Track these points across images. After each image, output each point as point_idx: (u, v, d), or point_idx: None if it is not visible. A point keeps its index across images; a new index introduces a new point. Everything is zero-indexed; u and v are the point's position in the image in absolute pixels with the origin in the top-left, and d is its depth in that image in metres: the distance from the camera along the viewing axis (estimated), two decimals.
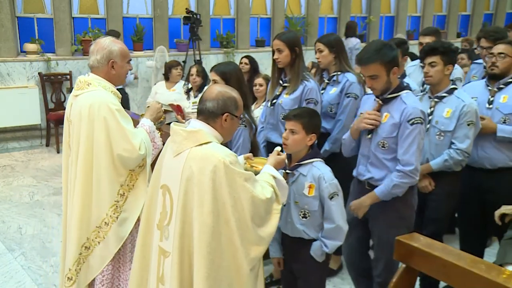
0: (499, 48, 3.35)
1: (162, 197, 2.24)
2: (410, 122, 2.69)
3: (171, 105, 5.37)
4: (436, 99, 3.18)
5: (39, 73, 7.01)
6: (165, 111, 3.60)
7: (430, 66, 3.11)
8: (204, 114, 2.20)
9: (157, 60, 7.60)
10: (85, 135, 2.66)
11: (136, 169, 2.73)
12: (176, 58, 7.67)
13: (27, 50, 7.14)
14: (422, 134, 2.74)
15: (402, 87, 2.82)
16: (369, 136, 2.88)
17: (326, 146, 3.64)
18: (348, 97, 3.63)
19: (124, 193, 2.71)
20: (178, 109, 5.32)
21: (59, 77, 7.12)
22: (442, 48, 3.08)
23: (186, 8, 7.84)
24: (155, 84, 6.76)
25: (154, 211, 2.30)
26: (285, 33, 3.50)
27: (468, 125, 3.09)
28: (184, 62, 7.62)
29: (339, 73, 3.68)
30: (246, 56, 6.09)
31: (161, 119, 3.00)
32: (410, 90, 2.85)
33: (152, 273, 2.30)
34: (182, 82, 6.00)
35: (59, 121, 6.28)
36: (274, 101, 3.52)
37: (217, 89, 2.23)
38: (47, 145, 7.11)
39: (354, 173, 3.05)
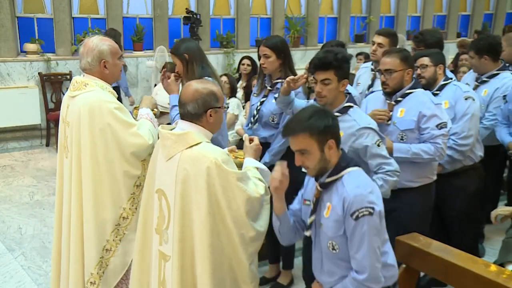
0: (385, 63, 2.97)
1: (158, 201, 2.24)
2: (354, 216, 2.04)
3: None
4: None
5: (39, 73, 7.00)
6: (163, 113, 3.60)
7: (323, 84, 2.59)
8: (188, 116, 2.19)
9: (157, 60, 7.60)
10: (87, 140, 2.63)
11: (147, 158, 2.72)
12: None
13: (27, 50, 7.14)
14: (374, 229, 2.05)
15: (343, 165, 2.16)
16: (308, 233, 2.25)
17: (266, 158, 3.35)
18: None
19: (140, 183, 2.71)
20: None
21: (59, 77, 7.12)
22: (336, 62, 2.57)
23: (186, 8, 7.85)
24: (155, 85, 6.75)
25: (151, 216, 2.30)
26: (179, 42, 3.26)
27: (378, 145, 2.65)
28: None
29: (283, 80, 3.30)
30: (248, 57, 6.08)
31: (154, 111, 3.02)
32: (357, 165, 2.19)
33: (153, 277, 2.30)
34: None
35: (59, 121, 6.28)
36: None
37: (193, 88, 2.20)
38: (47, 145, 7.10)
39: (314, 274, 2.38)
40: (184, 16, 7.75)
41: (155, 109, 3.04)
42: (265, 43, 3.39)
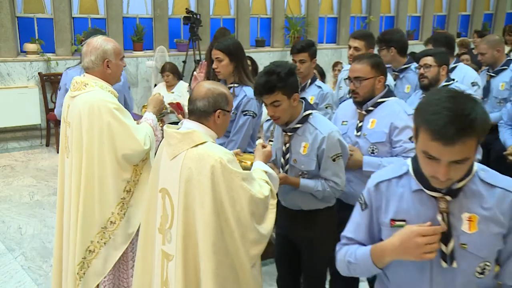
0: (355, 70, 2.75)
1: (161, 200, 2.24)
2: None
3: (170, 104, 5.35)
4: (290, 133, 2.60)
5: (39, 73, 7.01)
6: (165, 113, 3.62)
7: (273, 106, 2.46)
8: (196, 114, 2.20)
9: (157, 60, 7.60)
10: (87, 140, 2.65)
11: (140, 164, 2.74)
12: (176, 58, 7.70)
13: (27, 50, 7.14)
14: None
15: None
16: (445, 265, 1.58)
17: None
18: (245, 115, 3.17)
19: (130, 189, 2.72)
20: (178, 107, 5.29)
21: (59, 77, 7.07)
22: (281, 83, 2.41)
23: (186, 8, 7.84)
24: (155, 85, 6.75)
25: (154, 215, 2.30)
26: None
27: (334, 160, 2.51)
28: (184, 62, 7.63)
29: (236, 85, 3.21)
30: (248, 57, 6.06)
31: (163, 110, 3.04)
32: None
33: (156, 277, 2.29)
34: (182, 83, 6.01)
35: (59, 121, 6.26)
36: None
37: (206, 86, 2.22)
38: (47, 145, 7.11)
39: None
40: (184, 16, 7.74)
41: (164, 108, 3.06)
42: (217, 46, 3.21)
